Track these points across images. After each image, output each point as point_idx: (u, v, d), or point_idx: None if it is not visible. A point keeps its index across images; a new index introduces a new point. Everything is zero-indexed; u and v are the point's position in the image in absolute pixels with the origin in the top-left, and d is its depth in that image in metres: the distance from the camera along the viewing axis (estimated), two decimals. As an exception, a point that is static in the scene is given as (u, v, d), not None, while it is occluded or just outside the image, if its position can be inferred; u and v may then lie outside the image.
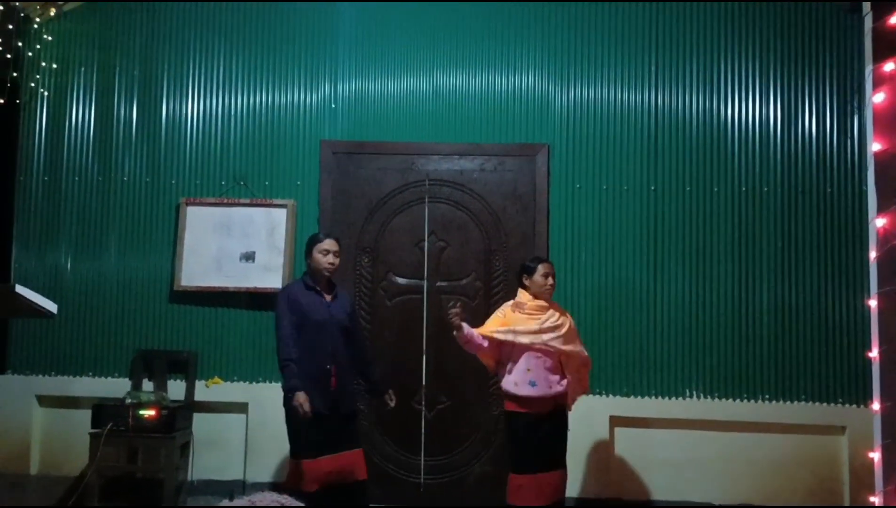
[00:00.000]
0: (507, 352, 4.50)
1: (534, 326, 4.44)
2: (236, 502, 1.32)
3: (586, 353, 4.58)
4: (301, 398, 4.17)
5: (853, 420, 5.14)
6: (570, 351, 4.47)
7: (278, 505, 1.37)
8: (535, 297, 4.53)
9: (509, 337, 4.44)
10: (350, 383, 4.54)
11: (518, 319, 4.49)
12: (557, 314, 4.52)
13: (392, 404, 4.70)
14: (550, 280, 4.55)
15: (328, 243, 4.51)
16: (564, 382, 4.48)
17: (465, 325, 4.44)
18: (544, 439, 4.40)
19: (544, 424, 4.41)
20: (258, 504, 1.35)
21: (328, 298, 4.51)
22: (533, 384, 4.40)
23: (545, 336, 4.42)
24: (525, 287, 4.57)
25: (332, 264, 4.50)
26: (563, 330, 4.47)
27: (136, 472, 5.42)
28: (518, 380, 4.43)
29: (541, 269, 4.54)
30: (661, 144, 5.49)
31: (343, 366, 4.47)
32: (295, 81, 5.73)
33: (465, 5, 5.68)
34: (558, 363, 4.48)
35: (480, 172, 5.57)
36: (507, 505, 4.46)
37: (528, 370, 4.42)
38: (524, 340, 4.42)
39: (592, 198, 5.50)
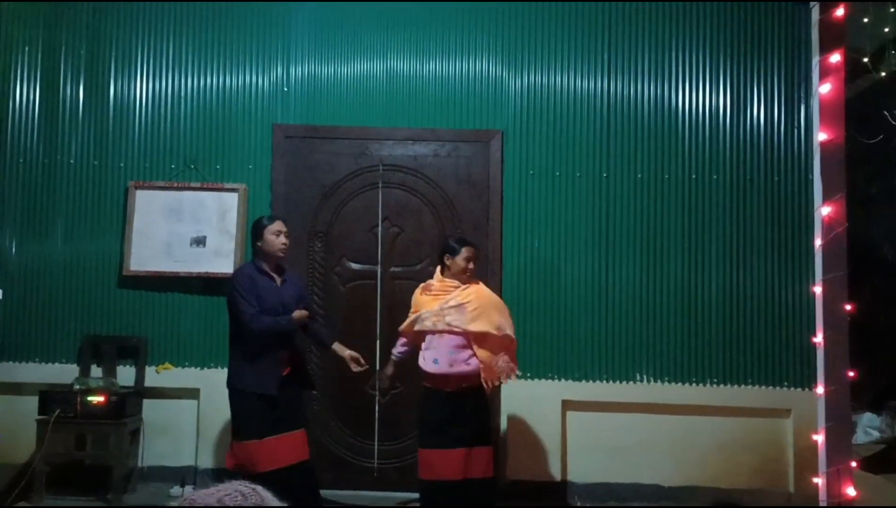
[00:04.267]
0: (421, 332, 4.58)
1: (436, 307, 4.49)
2: (201, 491, 1.31)
3: (507, 332, 4.50)
4: (297, 314, 4.36)
5: (798, 404, 5.26)
6: (477, 331, 4.42)
7: (248, 491, 1.35)
8: (453, 277, 4.57)
9: (416, 326, 4.55)
10: (302, 365, 4.57)
11: (424, 301, 4.59)
12: (464, 294, 4.50)
13: (359, 368, 4.58)
14: (471, 265, 4.57)
15: (279, 225, 4.50)
16: (473, 361, 4.44)
17: (388, 366, 4.78)
18: (448, 416, 4.44)
19: (449, 401, 4.45)
20: (223, 493, 1.34)
21: (278, 282, 4.49)
22: (436, 361, 4.46)
23: (448, 317, 4.44)
24: (445, 267, 4.60)
25: (285, 244, 4.50)
26: (469, 309, 4.43)
27: (84, 459, 5.35)
28: (424, 356, 4.53)
29: (464, 253, 4.55)
30: (613, 132, 5.54)
31: (295, 350, 4.50)
32: (247, 64, 5.65)
33: (420, -10, 5.66)
34: (468, 342, 4.45)
35: (434, 158, 5.56)
36: (419, 480, 4.55)
37: (432, 347, 4.49)
38: (427, 324, 4.49)
39: (545, 184, 5.53)
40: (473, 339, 4.44)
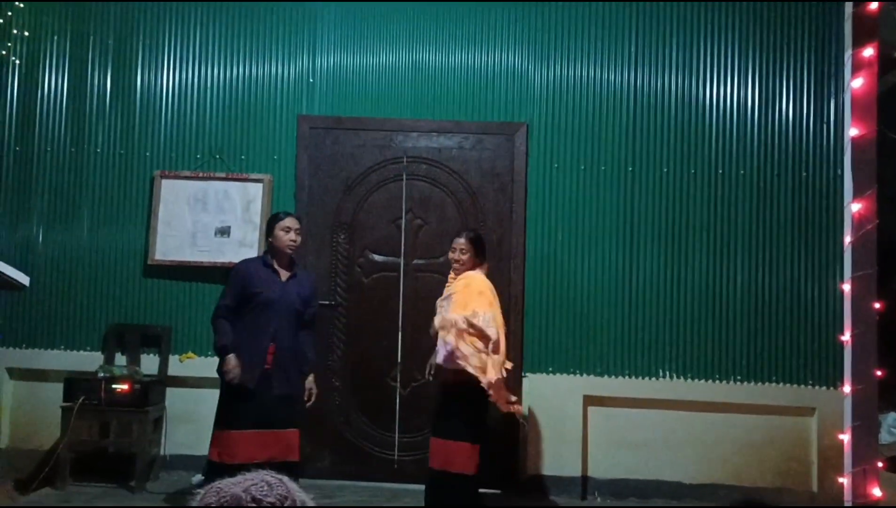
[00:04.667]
0: None
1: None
2: (226, 480, 1.31)
3: (453, 316, 4.31)
4: (231, 362, 4.30)
5: (823, 402, 5.21)
6: (449, 318, 4.34)
7: (275, 481, 1.36)
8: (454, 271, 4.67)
9: (431, 330, 4.58)
10: (292, 365, 4.45)
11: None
12: (455, 285, 4.53)
13: (311, 389, 4.57)
14: (453, 255, 4.59)
15: (289, 221, 4.50)
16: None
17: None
18: (439, 407, 4.53)
19: (444, 393, 4.51)
20: (250, 483, 1.34)
21: (284, 277, 4.49)
22: (436, 354, 4.55)
23: (442, 310, 4.46)
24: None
25: (293, 241, 4.49)
26: (453, 299, 4.43)
27: (108, 447, 5.39)
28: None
29: (453, 244, 4.63)
30: (639, 125, 5.49)
31: (284, 347, 4.43)
32: (273, 55, 5.66)
33: (446, -19, 5.64)
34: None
35: (459, 150, 5.55)
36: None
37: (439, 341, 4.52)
38: (434, 323, 4.49)
39: (570, 177, 5.50)
40: (453, 328, 4.32)
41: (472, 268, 4.58)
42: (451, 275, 4.64)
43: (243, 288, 4.41)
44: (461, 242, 4.58)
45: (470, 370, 4.22)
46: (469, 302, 4.34)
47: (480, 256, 4.62)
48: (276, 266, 4.48)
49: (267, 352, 4.38)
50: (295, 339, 4.47)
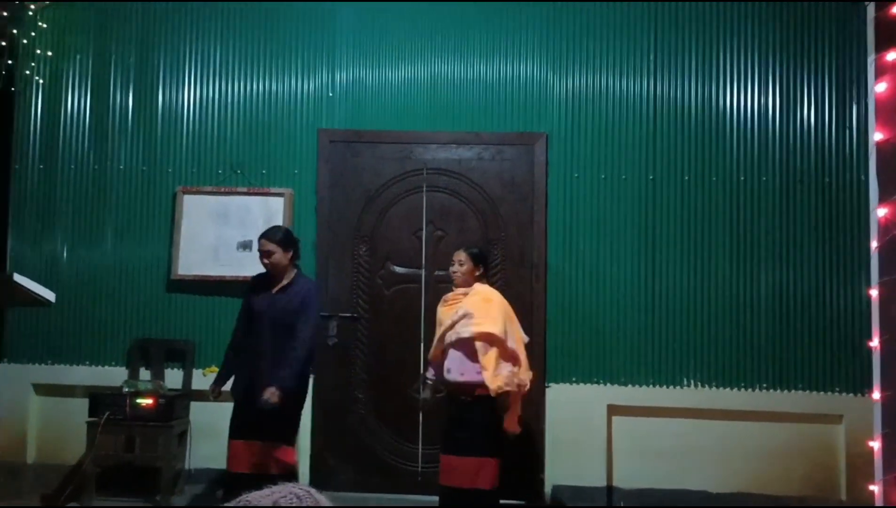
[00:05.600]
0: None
1: (448, 321, 4.56)
2: (255, 493, 1.30)
3: (508, 338, 4.46)
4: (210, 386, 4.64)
5: (850, 409, 5.15)
6: (477, 334, 4.44)
7: (303, 493, 1.35)
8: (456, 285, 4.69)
9: (440, 346, 4.63)
10: (274, 378, 4.38)
11: (443, 313, 4.68)
12: (468, 302, 4.55)
13: (266, 400, 4.36)
14: (453, 268, 4.64)
15: (259, 243, 4.60)
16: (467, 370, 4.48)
17: (426, 391, 4.78)
18: (455, 423, 4.50)
19: (458, 409, 4.50)
20: (278, 495, 1.33)
21: (274, 291, 4.55)
22: (448, 371, 4.54)
23: (458, 327, 4.49)
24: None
25: (265, 262, 4.56)
26: (475, 316, 4.47)
27: (133, 461, 5.39)
28: (444, 367, 4.59)
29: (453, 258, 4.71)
30: (659, 134, 5.48)
31: (266, 359, 4.46)
32: (292, 69, 5.70)
33: (464, -7, 5.66)
34: (475, 349, 4.45)
35: (478, 161, 5.55)
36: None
37: (448, 358, 4.55)
38: (448, 340, 4.55)
39: (590, 187, 5.49)
40: (477, 345, 4.42)
41: (471, 281, 4.63)
42: (460, 291, 4.66)
43: (244, 301, 4.69)
44: (460, 255, 4.66)
45: (501, 385, 4.33)
46: (498, 318, 4.44)
47: (481, 269, 4.66)
48: (268, 280, 4.60)
49: (253, 363, 4.48)
50: (280, 351, 4.46)
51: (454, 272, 4.65)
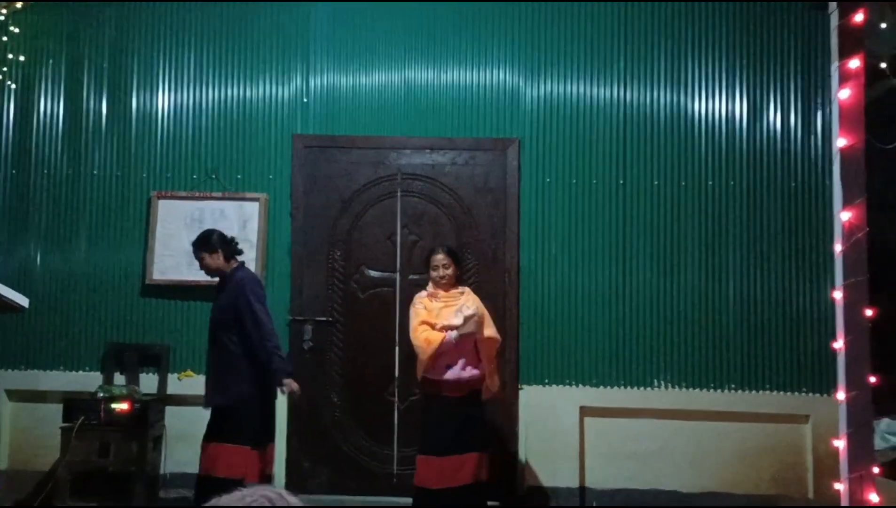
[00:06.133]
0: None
1: (458, 316, 4.56)
2: (226, 496, 1.30)
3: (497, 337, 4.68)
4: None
5: (817, 409, 5.25)
6: (487, 337, 4.62)
7: (275, 496, 1.36)
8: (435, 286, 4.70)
9: (455, 335, 4.55)
10: (218, 377, 4.49)
11: (436, 308, 4.64)
12: (471, 301, 4.64)
13: (285, 392, 4.48)
14: (440, 271, 4.65)
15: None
16: (478, 366, 4.61)
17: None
18: (456, 423, 4.53)
19: (455, 407, 4.55)
20: (249, 498, 1.34)
21: (219, 295, 4.64)
22: (449, 367, 4.57)
23: (470, 324, 4.55)
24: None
25: (202, 270, 4.65)
26: (482, 317, 4.65)
27: (107, 466, 5.37)
28: (434, 365, 4.58)
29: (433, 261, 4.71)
30: (629, 139, 5.55)
31: (212, 359, 4.57)
32: (267, 75, 5.71)
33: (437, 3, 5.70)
34: (476, 348, 4.61)
35: (452, 166, 5.60)
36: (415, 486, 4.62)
37: (444, 354, 4.55)
38: (466, 330, 4.55)
39: (562, 192, 5.55)
40: (482, 345, 4.58)
41: (457, 281, 4.72)
42: (456, 289, 4.69)
43: None
44: (440, 257, 4.66)
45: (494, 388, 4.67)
46: (488, 320, 4.63)
47: (460, 267, 4.77)
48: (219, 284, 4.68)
49: (207, 368, 4.62)
50: (224, 350, 4.47)
51: (441, 278, 4.63)
